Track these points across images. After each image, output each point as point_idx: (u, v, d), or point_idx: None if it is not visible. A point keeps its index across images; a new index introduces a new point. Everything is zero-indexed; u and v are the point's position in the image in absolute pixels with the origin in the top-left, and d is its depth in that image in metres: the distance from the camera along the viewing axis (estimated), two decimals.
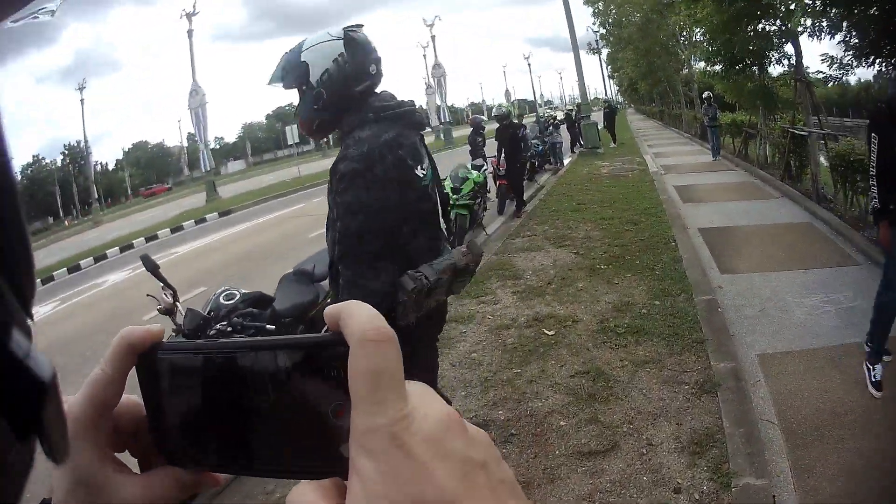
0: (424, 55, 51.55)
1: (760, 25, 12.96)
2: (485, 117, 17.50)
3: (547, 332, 5.81)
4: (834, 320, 5.56)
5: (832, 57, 9.72)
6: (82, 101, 47.08)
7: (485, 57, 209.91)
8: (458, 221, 10.16)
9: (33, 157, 79.28)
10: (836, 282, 6.51)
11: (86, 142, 51.82)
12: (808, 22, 10.08)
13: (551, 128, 20.70)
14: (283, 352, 0.42)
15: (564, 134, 23.79)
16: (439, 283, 2.49)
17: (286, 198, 26.51)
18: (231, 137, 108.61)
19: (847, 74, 10.09)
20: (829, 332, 5.30)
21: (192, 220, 24.29)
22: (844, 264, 7.22)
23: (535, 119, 21.54)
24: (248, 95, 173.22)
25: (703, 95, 18.86)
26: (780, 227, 9.29)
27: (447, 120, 46.77)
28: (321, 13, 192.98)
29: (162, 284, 4.05)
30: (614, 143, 26.93)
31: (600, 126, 26.41)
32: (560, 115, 26.10)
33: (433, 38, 49.06)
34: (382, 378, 0.38)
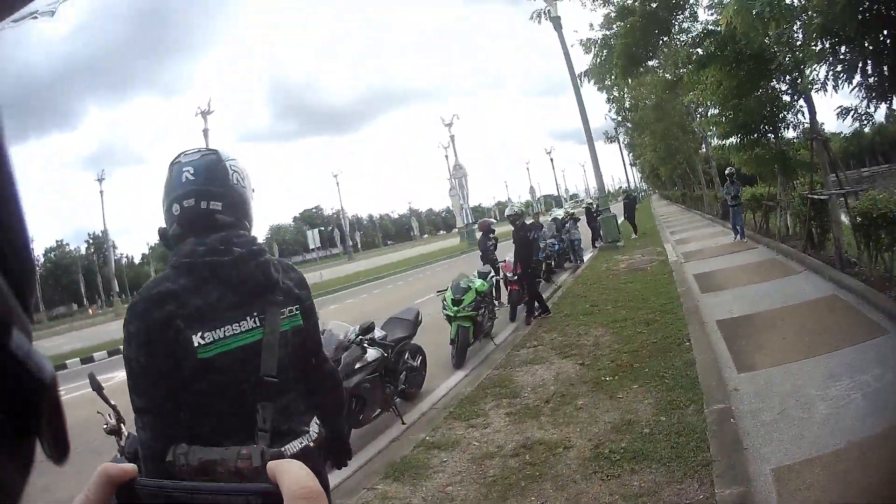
0: (446, 156, 51.58)
1: (771, 84, 12.88)
2: (494, 220, 17.08)
3: (532, 463, 5.18)
4: (861, 407, 4.94)
5: (848, 109, 9.22)
6: (101, 192, 47.72)
7: (509, 155, 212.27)
8: (461, 335, 9.68)
9: (56, 241, 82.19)
10: (863, 359, 5.96)
11: (105, 232, 52.10)
12: (822, 71, 9.62)
13: (569, 224, 20.29)
14: (232, 497, 0.48)
15: (584, 229, 23.34)
16: (203, 472, 1.98)
17: None
18: (259, 238, 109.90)
19: (867, 124, 9.58)
20: (856, 425, 4.66)
21: None
22: (871, 336, 6.67)
23: (551, 218, 21.09)
24: (276, 196, 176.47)
25: (726, 172, 18.03)
26: (803, 307, 8.65)
27: (470, 222, 46.48)
28: (343, 113, 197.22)
29: (109, 406, 3.89)
30: (635, 233, 26.47)
31: (620, 218, 25.98)
32: (574, 210, 25.68)
33: (452, 137, 49.11)
34: None
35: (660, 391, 6.30)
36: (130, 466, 0.50)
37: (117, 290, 52.72)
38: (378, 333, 7.46)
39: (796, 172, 13.93)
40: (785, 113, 13.13)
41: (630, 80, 18.16)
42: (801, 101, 12.27)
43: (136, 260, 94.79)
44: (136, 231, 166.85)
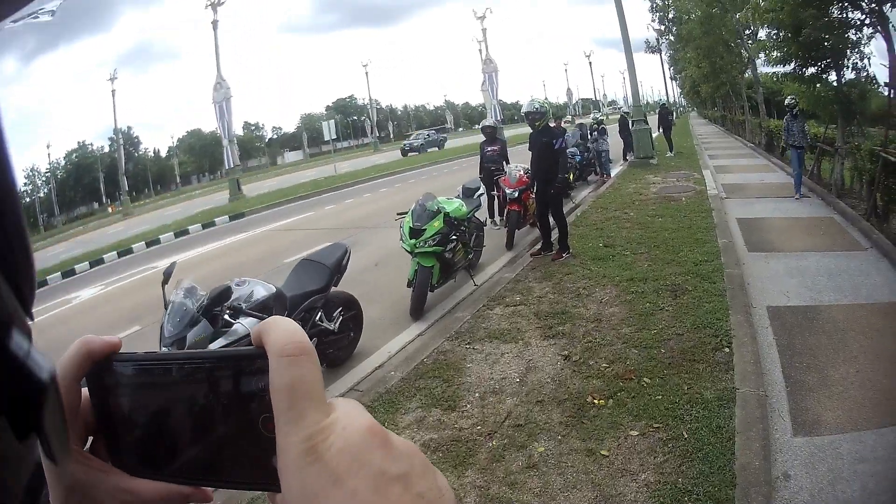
0: (480, 50, 47.68)
1: (838, 13, 10.82)
2: (492, 122, 13.09)
3: None
4: None
5: None
6: (113, 91, 45.57)
7: (547, 55, 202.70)
8: (419, 277, 7.25)
9: (78, 142, 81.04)
10: None
11: (116, 132, 50.48)
12: None
13: (596, 133, 17.34)
14: (215, 364, 0.43)
15: (616, 140, 20.54)
16: None
17: (307, 201, 24.11)
18: (290, 127, 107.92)
19: None
20: None
21: (200, 224, 22.09)
22: None
23: (574, 123, 18.10)
24: (309, 86, 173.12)
25: (786, 102, 12.87)
26: (876, 314, 5.97)
27: (499, 119, 42.98)
28: (386, 6, 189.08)
29: None
30: (671, 151, 23.18)
31: (655, 132, 22.95)
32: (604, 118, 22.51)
33: (484, 31, 45.73)
34: (299, 392, 0.38)
35: (671, 456, 3.75)
36: (114, 338, 0.46)
37: (126, 189, 50.73)
38: (261, 292, 5.09)
39: (858, 120, 11.80)
40: (851, 48, 11.03)
41: None
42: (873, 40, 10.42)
43: (163, 153, 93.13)
44: (168, 126, 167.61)
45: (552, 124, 9.85)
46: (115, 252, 19.50)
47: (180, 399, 0.43)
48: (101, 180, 73.24)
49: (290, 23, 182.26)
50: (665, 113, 26.16)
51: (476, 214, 8.85)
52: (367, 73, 72.89)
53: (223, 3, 31.53)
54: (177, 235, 20.92)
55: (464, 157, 32.88)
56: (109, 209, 62.65)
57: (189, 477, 0.44)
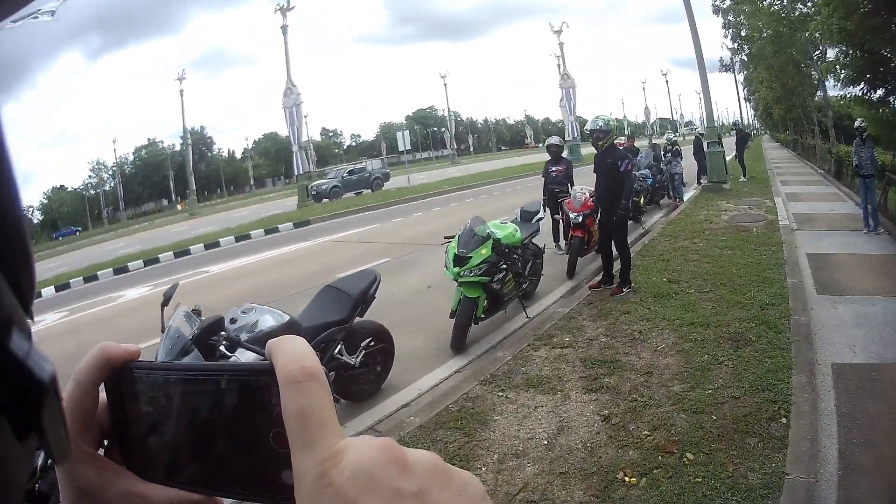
0: (558, 65, 46.92)
1: None
2: (557, 140, 12.07)
3: None
4: None
5: None
6: (181, 91, 47.82)
7: (625, 72, 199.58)
8: (462, 309, 6.75)
9: (148, 139, 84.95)
10: None
11: (185, 132, 51.95)
12: None
13: (670, 155, 16.63)
14: (230, 377, 0.43)
15: (690, 162, 19.68)
16: None
17: (375, 212, 23.93)
18: (369, 135, 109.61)
19: None
20: None
21: (263, 230, 22.17)
22: None
23: (650, 143, 17.32)
24: (389, 96, 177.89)
25: (856, 125, 12.13)
26: None
27: (576, 136, 41.76)
28: (461, 21, 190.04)
29: None
30: (744, 176, 22.17)
31: (730, 155, 22.10)
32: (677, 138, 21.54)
33: (561, 45, 45.18)
34: (309, 418, 0.38)
35: None
36: (133, 347, 0.47)
37: (194, 187, 51.97)
38: (268, 322, 4.65)
39: None
40: None
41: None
42: None
43: (238, 155, 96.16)
44: (244, 128, 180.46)
45: (621, 144, 9.21)
46: (171, 252, 19.78)
47: (194, 409, 0.44)
48: (171, 178, 75.60)
49: (366, 34, 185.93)
50: (744, 135, 25.11)
51: (534, 240, 8.36)
52: (445, 84, 73.46)
53: (292, 7, 32.48)
54: (238, 239, 21.06)
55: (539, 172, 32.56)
56: (179, 206, 65.31)
57: (200, 485, 0.44)
